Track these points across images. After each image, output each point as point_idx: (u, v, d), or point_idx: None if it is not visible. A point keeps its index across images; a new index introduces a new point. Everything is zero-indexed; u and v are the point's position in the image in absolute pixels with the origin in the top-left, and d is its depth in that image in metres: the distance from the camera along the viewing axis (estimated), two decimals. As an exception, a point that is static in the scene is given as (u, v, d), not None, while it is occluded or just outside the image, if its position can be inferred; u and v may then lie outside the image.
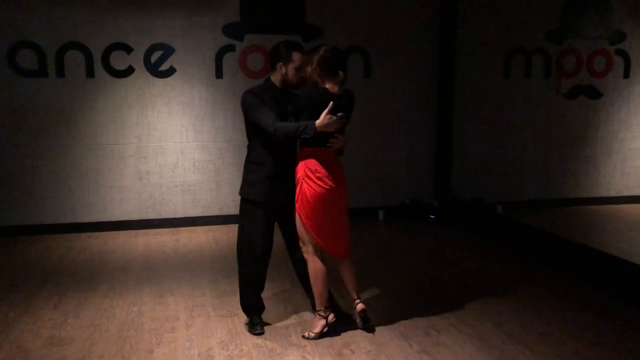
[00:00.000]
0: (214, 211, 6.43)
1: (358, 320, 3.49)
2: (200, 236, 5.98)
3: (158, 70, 6.16)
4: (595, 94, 7.20)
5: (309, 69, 3.24)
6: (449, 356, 3.16)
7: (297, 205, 3.30)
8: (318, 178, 3.25)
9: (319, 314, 3.38)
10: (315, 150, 3.27)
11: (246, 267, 3.51)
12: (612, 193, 7.36)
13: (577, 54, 7.13)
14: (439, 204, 6.67)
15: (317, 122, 3.14)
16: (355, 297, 3.51)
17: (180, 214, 6.38)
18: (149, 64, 6.13)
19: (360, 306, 3.49)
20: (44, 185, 6.01)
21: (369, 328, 3.48)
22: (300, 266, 3.57)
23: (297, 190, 3.29)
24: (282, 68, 3.34)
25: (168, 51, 6.15)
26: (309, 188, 3.24)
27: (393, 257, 5.16)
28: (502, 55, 6.93)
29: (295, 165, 3.36)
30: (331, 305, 3.71)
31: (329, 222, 3.32)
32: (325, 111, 3.13)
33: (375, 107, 6.72)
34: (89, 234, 6.05)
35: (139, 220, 6.28)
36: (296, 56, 3.32)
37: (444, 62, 6.74)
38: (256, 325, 3.50)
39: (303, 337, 3.39)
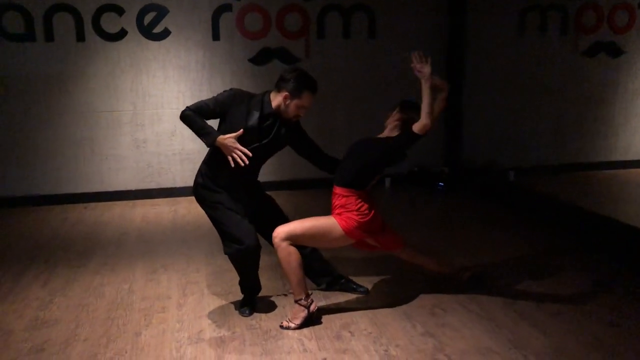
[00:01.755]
0: (214, 180, 6.20)
1: (472, 285, 3.52)
2: (199, 207, 5.73)
3: (152, 32, 5.86)
4: (616, 51, 6.80)
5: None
6: (455, 339, 2.94)
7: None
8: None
9: (300, 304, 3.09)
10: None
11: (239, 261, 3.24)
12: (632, 156, 7.03)
13: (597, 9, 6.69)
14: (449, 171, 6.40)
15: (220, 137, 2.99)
16: (449, 271, 3.58)
17: (179, 183, 6.16)
18: (142, 26, 5.82)
19: (466, 276, 3.53)
20: (38, 155, 5.80)
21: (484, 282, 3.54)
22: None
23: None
24: (287, 100, 3.07)
25: (162, 12, 5.83)
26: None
27: (398, 229, 4.89)
28: (515, 11, 6.53)
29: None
30: (333, 278, 3.50)
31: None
32: (235, 134, 2.99)
33: (380, 69, 6.38)
34: (85, 204, 5.86)
35: (136, 191, 6.08)
36: (307, 97, 3.09)
37: (454, 20, 6.36)
38: (245, 307, 3.30)
39: (281, 327, 3.10)
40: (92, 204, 5.89)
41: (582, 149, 6.98)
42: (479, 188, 6.02)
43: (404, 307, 3.32)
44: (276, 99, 3.10)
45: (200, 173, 3.30)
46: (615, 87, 6.87)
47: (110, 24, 5.74)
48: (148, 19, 5.81)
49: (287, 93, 3.06)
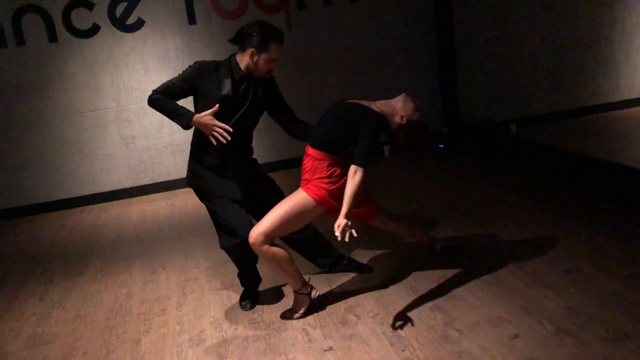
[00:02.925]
0: (208, 168, 6.05)
1: (444, 255, 3.38)
2: (196, 197, 5.61)
3: (125, 24, 5.65)
4: (609, -13, 6.49)
5: None
6: (465, 310, 2.81)
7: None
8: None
9: (300, 294, 2.96)
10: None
11: (235, 254, 3.10)
12: (635, 94, 6.78)
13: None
14: (448, 131, 6.20)
15: (196, 116, 2.82)
16: (423, 239, 3.39)
17: (174, 175, 6.01)
18: (114, 19, 5.61)
19: (439, 246, 3.37)
20: (26, 163, 5.66)
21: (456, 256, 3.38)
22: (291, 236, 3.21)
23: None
24: (254, 56, 2.86)
25: (133, 2, 5.60)
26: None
27: (399, 198, 4.77)
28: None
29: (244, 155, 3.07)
30: (335, 260, 3.37)
31: None
32: (211, 111, 2.82)
33: (366, 34, 6.15)
34: (81, 208, 5.75)
35: (131, 188, 5.94)
36: (275, 48, 2.86)
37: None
38: (246, 300, 3.18)
39: (284, 317, 2.98)
40: (89, 207, 5.77)
41: (583, 92, 6.73)
42: (481, 145, 5.83)
43: (409, 280, 3.19)
44: (243, 60, 2.89)
45: (190, 158, 3.13)
46: (612, 24, 6.58)
47: (81, 20, 5.53)
48: (120, 10, 5.59)
49: (252, 49, 2.84)
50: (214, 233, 4.41)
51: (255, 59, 2.86)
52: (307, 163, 2.87)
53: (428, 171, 5.44)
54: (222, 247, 3.08)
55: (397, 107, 2.88)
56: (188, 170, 3.15)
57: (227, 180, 3.01)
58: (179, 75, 2.96)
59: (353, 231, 2.57)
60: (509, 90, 6.54)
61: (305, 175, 2.86)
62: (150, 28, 5.70)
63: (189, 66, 2.98)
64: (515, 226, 3.78)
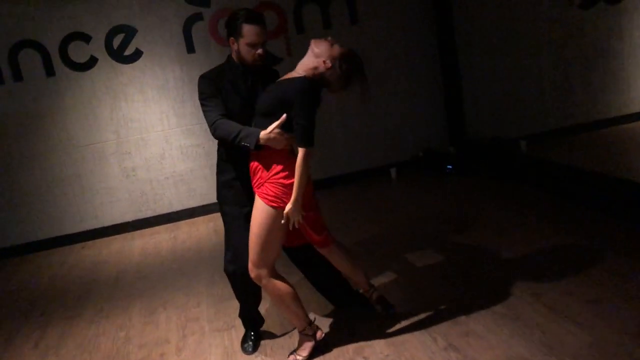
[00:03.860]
0: (211, 198, 5.90)
1: (380, 310, 3.03)
2: (200, 228, 5.50)
3: (123, 55, 5.57)
4: (614, -2, 6.35)
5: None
6: (481, 349, 2.62)
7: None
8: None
9: (304, 334, 2.79)
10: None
11: (233, 282, 2.97)
12: (647, 106, 6.59)
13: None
14: (455, 150, 6.04)
15: (263, 133, 2.55)
16: (364, 285, 3.03)
17: (176, 207, 5.88)
18: (111, 51, 5.53)
19: (376, 295, 3.03)
20: (25, 199, 5.55)
21: (393, 312, 3.04)
22: (307, 264, 3.06)
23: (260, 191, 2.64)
24: (235, 44, 2.73)
25: (130, 33, 5.54)
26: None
27: (407, 223, 4.59)
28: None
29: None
30: (348, 297, 3.17)
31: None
32: (277, 123, 2.55)
33: (368, 55, 6.01)
34: (82, 244, 5.62)
35: (134, 221, 5.81)
36: (248, 29, 2.66)
37: (438, -8, 5.97)
38: (247, 342, 3.01)
39: None
40: (90, 242, 5.64)
41: (593, 106, 6.55)
42: (490, 165, 5.66)
43: (421, 317, 3.00)
44: (233, 54, 2.77)
45: (218, 175, 2.94)
46: (620, 36, 6.42)
47: (78, 53, 5.47)
48: (117, 42, 5.52)
49: (231, 38, 2.71)
50: (218, 266, 4.31)
51: (236, 47, 2.72)
52: (253, 164, 2.67)
53: (439, 192, 5.28)
54: (224, 270, 2.93)
55: (315, 57, 2.66)
56: (217, 187, 2.96)
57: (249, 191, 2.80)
58: (206, 97, 2.74)
59: (300, 218, 2.55)
60: (516, 106, 6.37)
61: (256, 178, 2.65)
62: (149, 58, 5.62)
63: (200, 86, 2.79)
64: (530, 250, 3.59)
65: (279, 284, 2.67)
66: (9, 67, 5.35)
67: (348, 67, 2.67)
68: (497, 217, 4.37)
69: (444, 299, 3.13)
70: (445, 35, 6.04)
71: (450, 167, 5.80)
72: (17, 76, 5.38)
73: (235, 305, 3.47)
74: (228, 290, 3.78)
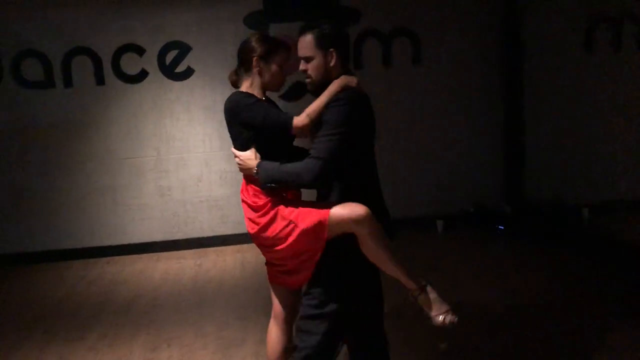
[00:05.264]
0: (244, 228, 5.61)
1: None
2: (227, 259, 5.23)
3: (174, 72, 5.45)
4: None
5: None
6: None
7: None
8: None
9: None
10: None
11: None
12: None
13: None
14: (510, 210, 5.57)
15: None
16: None
17: (207, 232, 5.65)
18: (163, 66, 5.43)
19: None
20: (57, 206, 5.45)
21: None
22: None
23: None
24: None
25: (184, 50, 5.42)
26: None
27: (447, 281, 4.16)
28: (582, 25, 5.70)
29: None
30: None
31: None
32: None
33: (428, 98, 5.70)
34: (107, 259, 5.44)
35: (162, 242, 5.61)
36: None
37: (510, 39, 5.61)
38: None
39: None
40: (115, 258, 5.45)
41: (670, 179, 5.97)
42: (547, 230, 5.17)
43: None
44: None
45: None
46: None
47: (130, 65, 5.38)
48: (170, 57, 5.42)
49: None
50: (235, 306, 4.04)
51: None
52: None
53: (486, 254, 4.83)
54: None
55: (247, 61, 2.35)
56: None
57: None
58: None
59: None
60: (583, 169, 5.88)
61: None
62: (200, 78, 5.48)
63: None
64: (590, 337, 3.11)
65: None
66: (62, 72, 5.31)
67: (274, 60, 2.36)
68: (547, 289, 3.90)
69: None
70: (513, 85, 5.65)
71: (502, 227, 5.34)
72: (68, 82, 5.33)
73: (242, 353, 3.16)
74: (240, 334, 3.51)
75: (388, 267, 2.22)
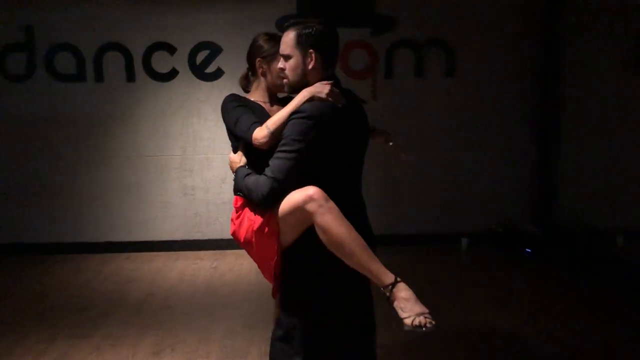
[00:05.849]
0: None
1: None
2: (243, 263, 5.17)
3: (204, 72, 5.44)
4: None
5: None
6: None
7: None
8: None
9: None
10: None
11: None
12: None
13: None
14: (539, 233, 5.35)
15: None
16: None
17: (227, 234, 5.47)
18: (194, 66, 5.42)
19: None
20: (81, 199, 5.49)
21: None
22: None
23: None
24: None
25: (215, 50, 5.41)
26: None
27: (470, 303, 4.01)
28: (624, 44, 5.45)
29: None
30: None
31: None
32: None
33: (458, 110, 5.54)
34: (127, 254, 5.46)
35: (182, 241, 5.60)
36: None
37: (549, 56, 5.40)
38: None
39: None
40: (135, 255, 5.47)
41: None
42: (577, 256, 4.93)
43: None
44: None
45: None
46: None
47: (161, 63, 5.40)
48: (200, 57, 5.41)
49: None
50: (245, 312, 4.00)
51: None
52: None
53: (509, 277, 4.64)
54: None
55: (253, 63, 2.33)
56: None
57: None
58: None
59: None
60: (619, 194, 5.61)
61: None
62: (229, 79, 5.44)
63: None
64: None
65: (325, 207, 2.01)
66: (93, 67, 5.36)
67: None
68: (577, 319, 3.70)
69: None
70: (549, 102, 5.44)
71: (529, 250, 5.12)
72: (99, 77, 5.38)
73: (244, 366, 3.09)
74: (245, 344, 3.45)
75: (353, 254, 1.93)
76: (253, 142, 2.07)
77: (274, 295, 2.32)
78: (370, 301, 2.27)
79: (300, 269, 2.13)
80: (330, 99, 2.04)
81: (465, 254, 5.38)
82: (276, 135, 2.03)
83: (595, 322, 3.70)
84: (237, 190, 2.17)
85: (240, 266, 5.10)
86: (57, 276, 4.87)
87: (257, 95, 2.37)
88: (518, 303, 4.11)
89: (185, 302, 4.24)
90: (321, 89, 2.04)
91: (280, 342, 2.18)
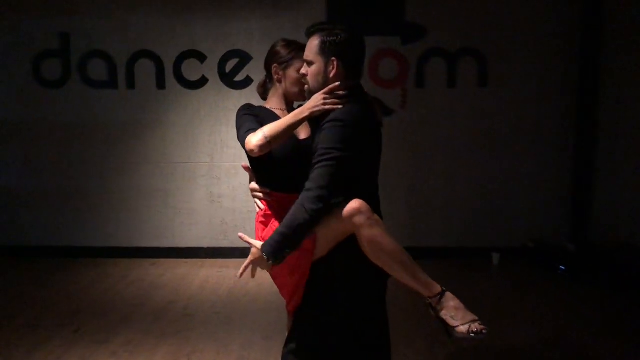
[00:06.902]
0: (289, 243, 5.54)
1: None
2: (267, 273, 5.11)
3: (233, 80, 5.47)
4: None
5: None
6: None
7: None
8: None
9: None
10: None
11: None
12: None
13: None
14: (574, 249, 5.14)
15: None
16: None
17: (253, 243, 5.57)
18: (223, 74, 5.45)
19: None
20: (110, 204, 5.57)
21: None
22: None
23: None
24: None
25: (244, 59, 5.42)
26: None
27: (499, 319, 3.84)
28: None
29: None
30: None
31: None
32: None
33: (492, 121, 5.41)
34: (153, 260, 5.49)
35: (208, 249, 5.60)
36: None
37: (586, 65, 5.22)
38: None
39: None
40: (160, 261, 5.49)
41: None
42: (613, 276, 4.71)
43: None
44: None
45: None
46: None
47: (191, 71, 5.44)
48: (230, 66, 5.43)
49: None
50: (265, 323, 3.95)
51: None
52: None
53: (541, 294, 4.46)
54: None
55: (270, 70, 2.33)
56: None
57: None
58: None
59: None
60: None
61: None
62: (258, 87, 5.45)
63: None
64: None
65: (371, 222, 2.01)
66: (125, 74, 5.43)
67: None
68: (611, 345, 3.50)
69: None
70: (588, 114, 5.24)
71: (563, 268, 4.92)
72: (130, 84, 5.45)
73: (258, 379, 3.03)
74: (262, 357, 3.39)
75: (403, 265, 1.93)
76: (246, 147, 2.03)
77: (289, 309, 2.27)
78: (386, 320, 2.21)
79: (320, 288, 2.08)
80: (328, 107, 2.00)
81: (496, 269, 5.21)
82: (273, 142, 1.99)
83: (631, 344, 3.51)
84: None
85: (264, 275, 4.99)
86: (84, 279, 4.92)
87: (273, 102, 2.34)
88: (550, 321, 3.93)
89: (206, 311, 4.20)
90: (315, 102, 2.03)
91: (292, 355, 2.14)
